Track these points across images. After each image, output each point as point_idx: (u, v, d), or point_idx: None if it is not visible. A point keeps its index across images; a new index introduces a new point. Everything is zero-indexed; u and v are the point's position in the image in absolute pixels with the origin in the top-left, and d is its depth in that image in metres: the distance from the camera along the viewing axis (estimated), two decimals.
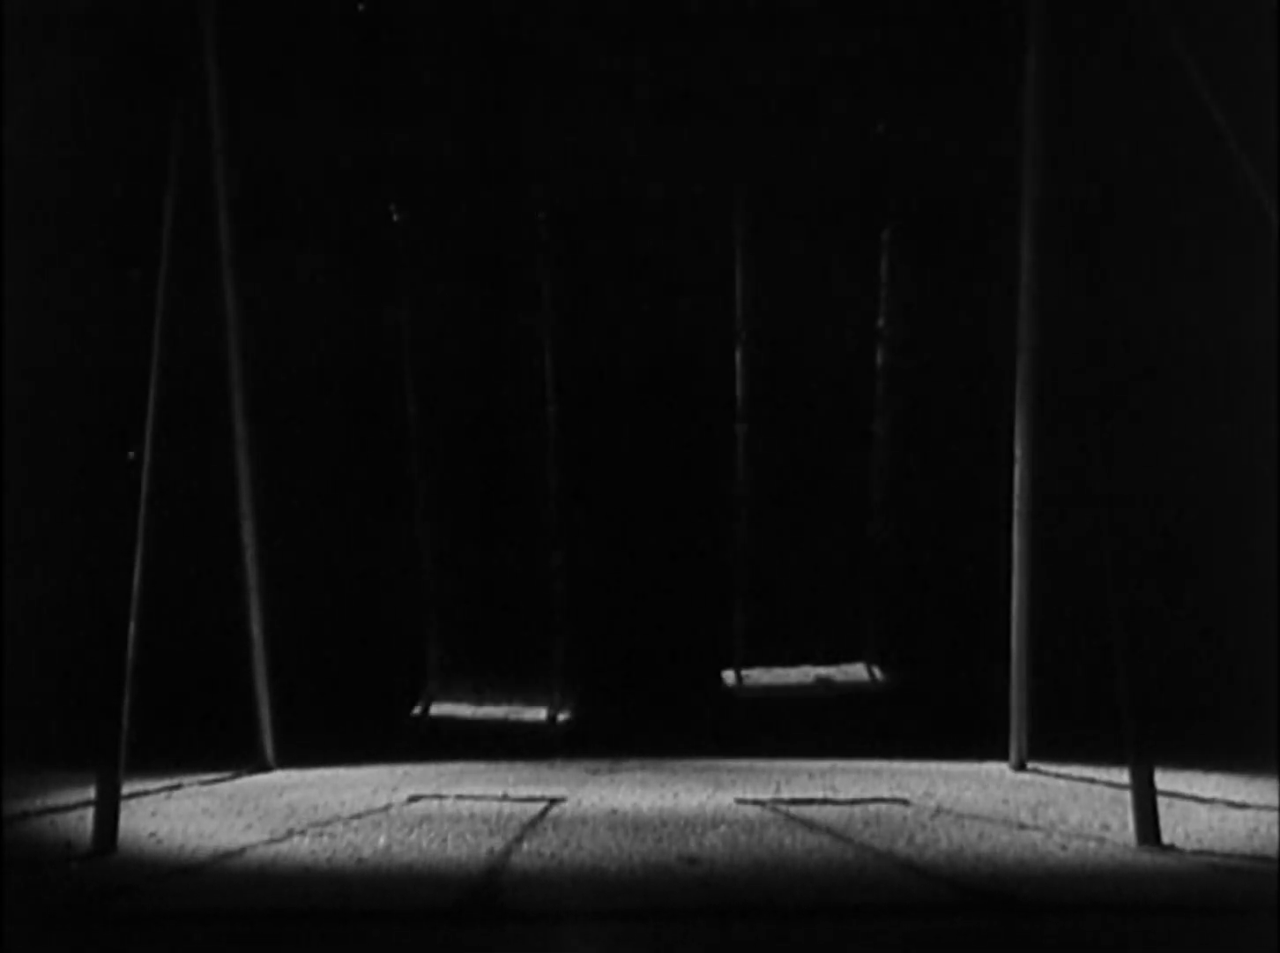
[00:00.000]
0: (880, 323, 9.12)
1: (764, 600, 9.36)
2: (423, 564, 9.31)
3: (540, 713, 9.06)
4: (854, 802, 8.29)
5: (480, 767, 9.57)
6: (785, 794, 8.53)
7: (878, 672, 8.94)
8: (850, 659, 9.07)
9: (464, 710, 9.11)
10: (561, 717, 9.03)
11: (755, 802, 8.30)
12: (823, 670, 8.99)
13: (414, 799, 8.42)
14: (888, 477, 9.17)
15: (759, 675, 9.09)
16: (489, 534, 10.20)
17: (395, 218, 9.24)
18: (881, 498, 9.16)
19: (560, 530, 9.40)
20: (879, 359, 9.12)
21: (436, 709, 9.12)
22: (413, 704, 9.21)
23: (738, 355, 9.23)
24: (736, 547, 9.20)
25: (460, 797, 8.48)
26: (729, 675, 9.09)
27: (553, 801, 8.30)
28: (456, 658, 9.31)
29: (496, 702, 9.12)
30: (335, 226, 10.42)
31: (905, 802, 8.25)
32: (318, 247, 10.45)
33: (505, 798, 8.42)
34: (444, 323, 10.13)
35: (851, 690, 8.94)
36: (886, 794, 8.47)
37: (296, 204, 10.35)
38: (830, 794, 8.54)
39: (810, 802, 8.30)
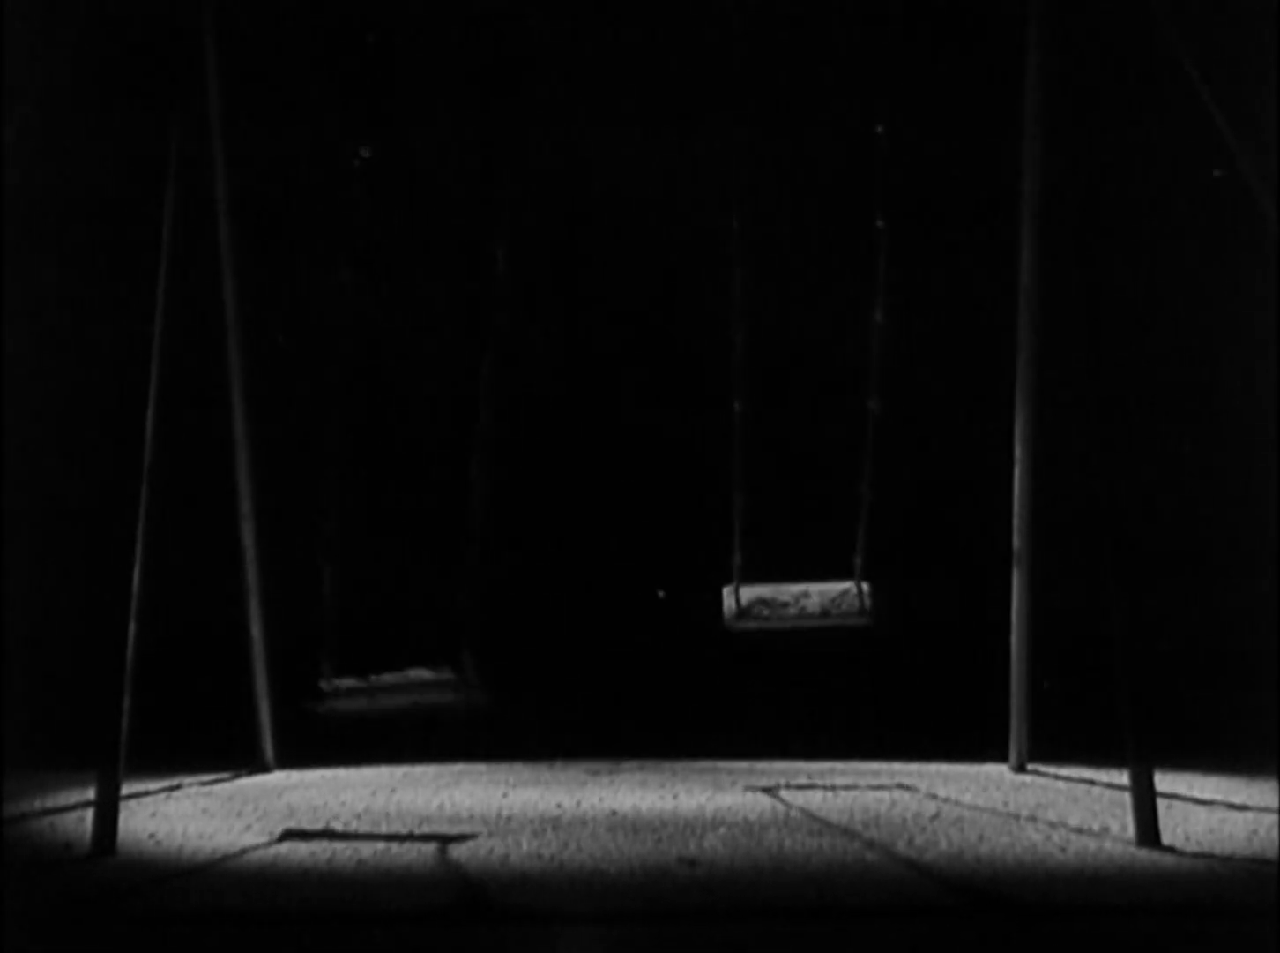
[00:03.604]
0: (877, 317, 9.09)
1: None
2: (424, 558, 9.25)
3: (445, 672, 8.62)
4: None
5: (481, 768, 9.57)
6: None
7: (868, 600, 8.71)
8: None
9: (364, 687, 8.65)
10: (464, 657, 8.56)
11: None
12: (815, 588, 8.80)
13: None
14: (885, 468, 9.14)
15: (757, 590, 8.80)
16: (493, 527, 10.18)
17: (396, 213, 9.20)
18: (879, 490, 9.14)
19: (555, 519, 9.39)
20: (877, 353, 9.11)
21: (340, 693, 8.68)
22: None
23: (736, 349, 9.21)
24: (735, 536, 9.16)
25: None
26: (729, 601, 8.82)
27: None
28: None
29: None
30: (335, 225, 10.41)
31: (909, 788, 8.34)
32: (318, 246, 10.44)
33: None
34: (444, 319, 10.13)
35: (848, 616, 8.73)
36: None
37: (296, 203, 10.35)
38: (831, 793, 8.56)
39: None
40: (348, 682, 8.37)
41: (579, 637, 10.12)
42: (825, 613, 8.66)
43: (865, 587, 8.65)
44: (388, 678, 8.37)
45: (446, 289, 10.24)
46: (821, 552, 9.71)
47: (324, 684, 8.38)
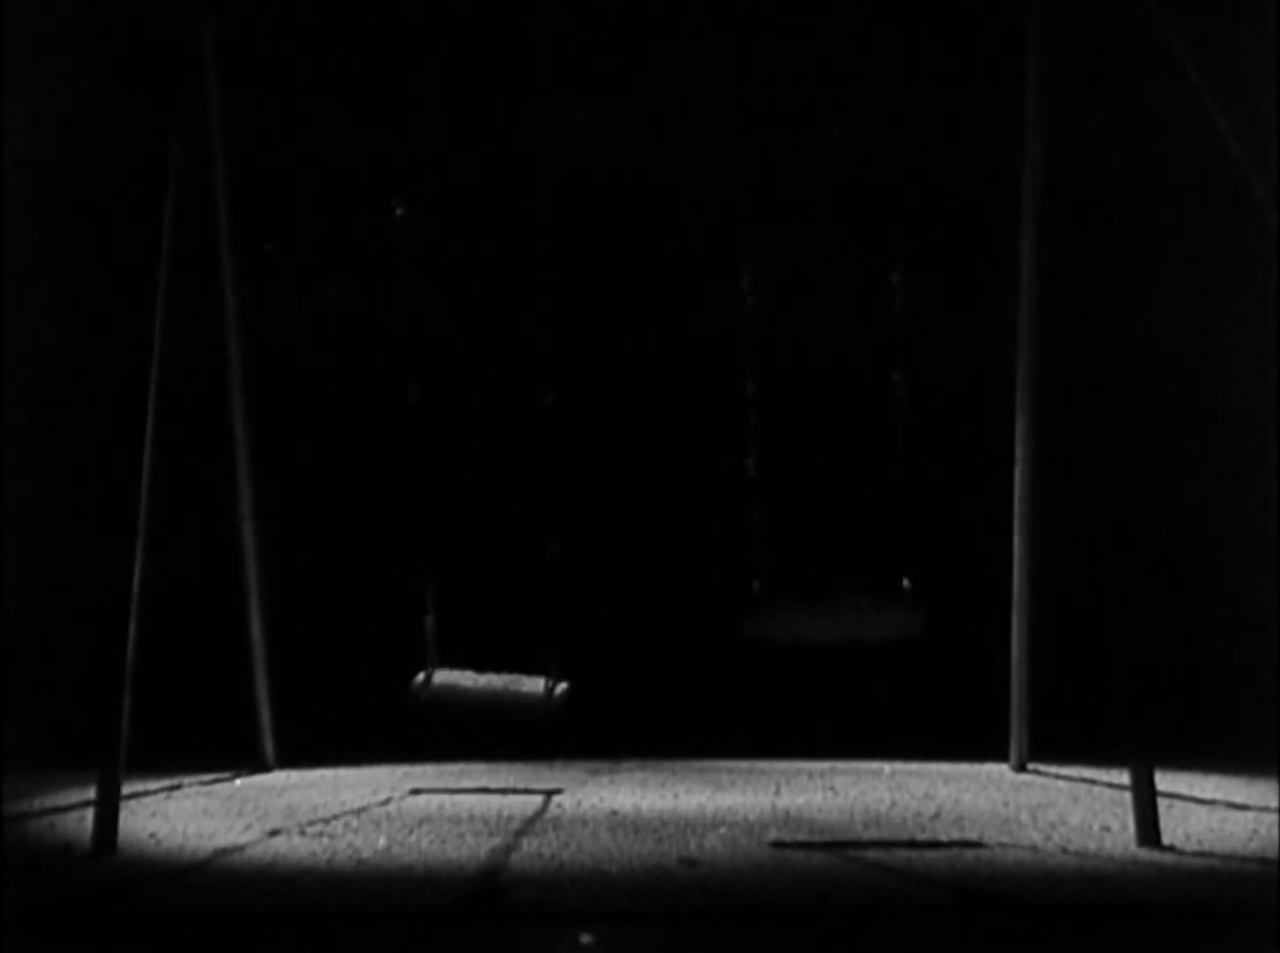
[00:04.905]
0: (890, 319, 9.09)
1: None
2: (422, 557, 9.24)
3: (538, 684, 8.86)
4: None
5: (481, 767, 9.57)
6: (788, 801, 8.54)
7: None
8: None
9: (466, 680, 8.94)
10: (559, 688, 8.80)
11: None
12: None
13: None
14: (898, 471, 9.15)
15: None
16: (494, 525, 10.19)
17: (397, 213, 9.23)
18: (891, 492, 9.14)
19: (566, 518, 9.39)
20: (889, 356, 9.11)
21: (440, 677, 8.95)
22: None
23: (748, 350, 9.21)
24: (750, 544, 9.16)
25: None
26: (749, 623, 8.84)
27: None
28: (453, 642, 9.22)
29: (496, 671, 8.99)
30: (336, 224, 10.42)
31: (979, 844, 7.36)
32: (319, 245, 10.44)
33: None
34: (446, 320, 10.13)
35: (886, 626, 8.74)
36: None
37: (297, 203, 10.35)
38: (831, 793, 8.56)
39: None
40: (446, 675, 8.85)
41: (579, 636, 10.11)
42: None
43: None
44: (483, 680, 8.81)
45: (446, 286, 10.25)
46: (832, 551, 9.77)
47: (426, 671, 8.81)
